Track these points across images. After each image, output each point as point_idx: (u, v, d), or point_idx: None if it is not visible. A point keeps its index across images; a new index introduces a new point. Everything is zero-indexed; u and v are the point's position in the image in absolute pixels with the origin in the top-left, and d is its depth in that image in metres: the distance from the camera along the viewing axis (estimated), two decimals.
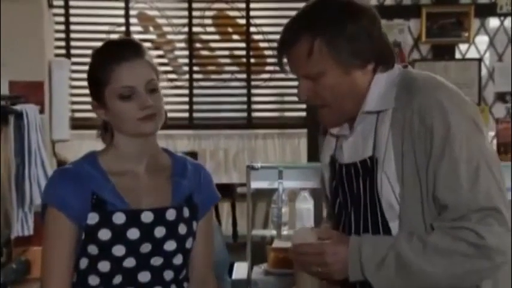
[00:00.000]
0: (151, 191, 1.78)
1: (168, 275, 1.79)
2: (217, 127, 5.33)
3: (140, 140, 1.77)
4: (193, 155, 4.87)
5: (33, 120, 4.01)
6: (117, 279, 1.74)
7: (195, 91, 5.31)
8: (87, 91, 1.80)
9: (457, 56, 5.11)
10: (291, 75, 1.80)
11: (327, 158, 1.84)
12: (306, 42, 1.65)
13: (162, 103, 1.75)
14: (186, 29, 5.27)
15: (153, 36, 5.34)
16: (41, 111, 4.37)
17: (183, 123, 5.23)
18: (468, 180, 1.56)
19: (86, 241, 1.71)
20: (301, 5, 1.77)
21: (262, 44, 5.28)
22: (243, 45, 5.30)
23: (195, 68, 5.32)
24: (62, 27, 5.15)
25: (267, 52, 5.29)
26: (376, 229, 1.68)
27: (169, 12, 5.30)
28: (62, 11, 5.13)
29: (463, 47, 5.11)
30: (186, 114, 5.28)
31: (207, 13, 5.31)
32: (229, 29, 5.38)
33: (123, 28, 5.21)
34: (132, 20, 5.25)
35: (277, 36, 1.75)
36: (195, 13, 5.27)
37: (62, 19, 5.14)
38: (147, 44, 4.98)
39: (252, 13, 5.25)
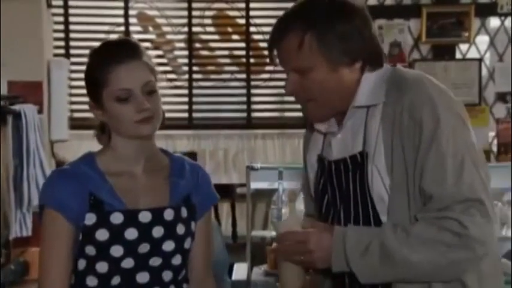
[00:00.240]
0: (149, 191, 1.77)
1: (167, 275, 1.78)
2: (216, 127, 5.33)
3: (138, 141, 1.76)
4: (193, 155, 4.87)
5: (31, 121, 4.01)
6: (116, 280, 1.72)
7: (195, 91, 5.31)
8: (86, 91, 1.79)
9: (458, 56, 5.11)
10: None
11: (314, 157, 1.86)
12: (296, 36, 1.67)
13: (160, 104, 1.75)
14: (185, 29, 5.27)
15: (152, 36, 5.34)
16: (40, 111, 4.37)
17: (183, 124, 5.23)
18: (453, 173, 1.59)
19: (83, 242, 1.70)
20: None
21: (261, 44, 5.28)
22: (243, 45, 5.31)
23: (195, 68, 5.32)
24: (61, 27, 5.15)
25: (266, 52, 5.27)
26: (368, 224, 1.69)
27: (168, 12, 5.29)
28: (61, 10, 5.13)
29: (463, 47, 5.11)
30: (186, 114, 5.28)
31: (207, 13, 5.32)
32: (229, 29, 5.38)
33: (122, 28, 5.21)
34: (132, 20, 5.26)
35: None
36: (194, 13, 5.27)
37: (61, 19, 5.14)
38: (146, 44, 4.99)
39: (251, 13, 5.25)
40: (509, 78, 4.99)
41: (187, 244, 1.79)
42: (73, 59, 5.05)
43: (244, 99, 5.33)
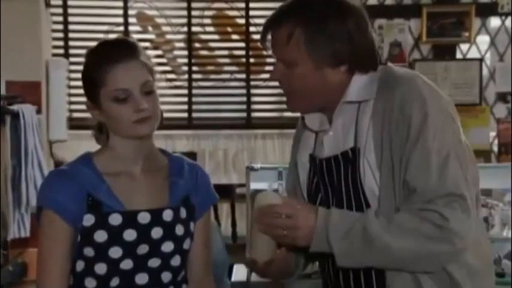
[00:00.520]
0: (147, 192, 1.76)
1: (166, 276, 1.77)
2: (216, 127, 5.32)
3: (136, 141, 1.75)
4: (193, 155, 4.86)
5: (30, 121, 4.00)
6: (114, 282, 1.71)
7: (194, 91, 5.31)
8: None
9: (458, 56, 5.11)
10: None
11: (306, 157, 1.86)
12: (287, 29, 1.70)
13: (158, 104, 1.74)
14: (185, 29, 5.26)
15: (152, 36, 5.34)
16: (38, 112, 4.36)
17: (182, 124, 5.22)
18: (438, 168, 1.61)
19: (81, 243, 1.69)
20: None
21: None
22: (243, 45, 5.30)
23: (194, 68, 5.32)
24: (60, 26, 5.14)
25: (266, 52, 5.26)
26: None
27: (168, 12, 5.29)
28: (59, 10, 5.12)
29: (463, 46, 5.11)
30: (185, 115, 5.27)
31: (206, 13, 5.31)
32: (229, 29, 5.38)
33: (121, 28, 5.20)
34: (131, 20, 5.24)
35: None
36: (194, 13, 5.26)
37: (59, 19, 5.13)
38: (145, 44, 4.98)
39: (251, 13, 5.24)
40: (510, 78, 4.99)
41: (186, 245, 1.78)
42: (72, 59, 5.04)
43: (243, 99, 5.32)
